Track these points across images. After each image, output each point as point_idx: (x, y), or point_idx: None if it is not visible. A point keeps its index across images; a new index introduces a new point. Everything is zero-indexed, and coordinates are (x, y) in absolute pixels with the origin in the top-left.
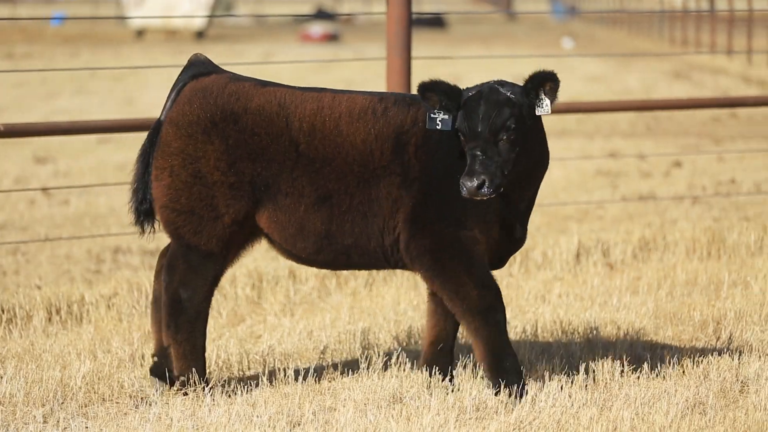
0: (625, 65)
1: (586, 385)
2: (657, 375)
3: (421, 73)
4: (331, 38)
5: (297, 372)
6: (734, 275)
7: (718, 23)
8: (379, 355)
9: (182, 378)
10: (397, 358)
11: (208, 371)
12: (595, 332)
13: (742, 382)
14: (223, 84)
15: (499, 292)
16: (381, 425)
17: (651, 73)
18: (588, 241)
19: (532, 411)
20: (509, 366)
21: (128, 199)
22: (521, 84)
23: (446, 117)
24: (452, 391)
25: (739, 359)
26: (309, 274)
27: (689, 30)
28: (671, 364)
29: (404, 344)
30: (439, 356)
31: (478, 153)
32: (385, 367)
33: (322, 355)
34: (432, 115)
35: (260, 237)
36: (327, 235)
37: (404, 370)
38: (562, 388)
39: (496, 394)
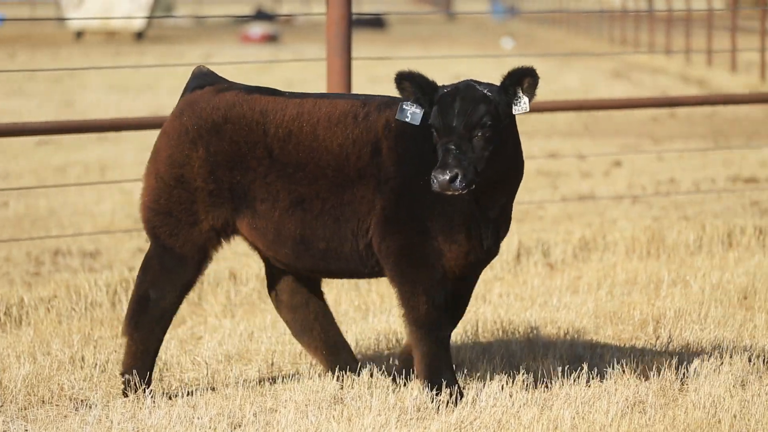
0: (564, 65)
1: (527, 385)
2: (597, 374)
3: (361, 74)
4: (271, 39)
5: (238, 374)
6: (673, 274)
7: (656, 23)
8: None
9: (126, 377)
10: None
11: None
12: (535, 332)
13: (681, 380)
14: (209, 96)
15: (446, 312)
16: (322, 426)
17: (590, 72)
18: (528, 241)
19: (473, 411)
20: (445, 382)
21: None
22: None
23: (417, 111)
24: (394, 391)
25: (678, 358)
26: (250, 275)
27: (628, 30)
28: (611, 363)
29: None
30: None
31: (452, 147)
32: None
33: (263, 357)
34: (404, 107)
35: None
36: (302, 240)
37: (345, 371)
38: (503, 388)
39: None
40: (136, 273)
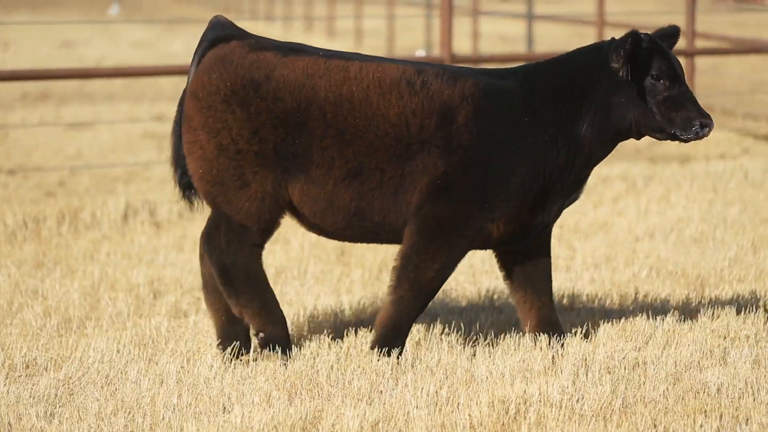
0: (169, 31)
1: (135, 342)
2: (202, 328)
3: None
4: None
5: None
6: (275, 233)
7: None
8: None
9: (261, 335)
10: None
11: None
12: (141, 288)
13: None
14: (243, 52)
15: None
16: None
17: (195, 39)
18: (135, 202)
19: (80, 367)
20: (397, 344)
21: (171, 174)
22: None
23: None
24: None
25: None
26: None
27: None
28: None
29: None
30: (551, 330)
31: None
32: None
33: None
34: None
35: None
36: (357, 212)
37: None
38: (113, 346)
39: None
40: None
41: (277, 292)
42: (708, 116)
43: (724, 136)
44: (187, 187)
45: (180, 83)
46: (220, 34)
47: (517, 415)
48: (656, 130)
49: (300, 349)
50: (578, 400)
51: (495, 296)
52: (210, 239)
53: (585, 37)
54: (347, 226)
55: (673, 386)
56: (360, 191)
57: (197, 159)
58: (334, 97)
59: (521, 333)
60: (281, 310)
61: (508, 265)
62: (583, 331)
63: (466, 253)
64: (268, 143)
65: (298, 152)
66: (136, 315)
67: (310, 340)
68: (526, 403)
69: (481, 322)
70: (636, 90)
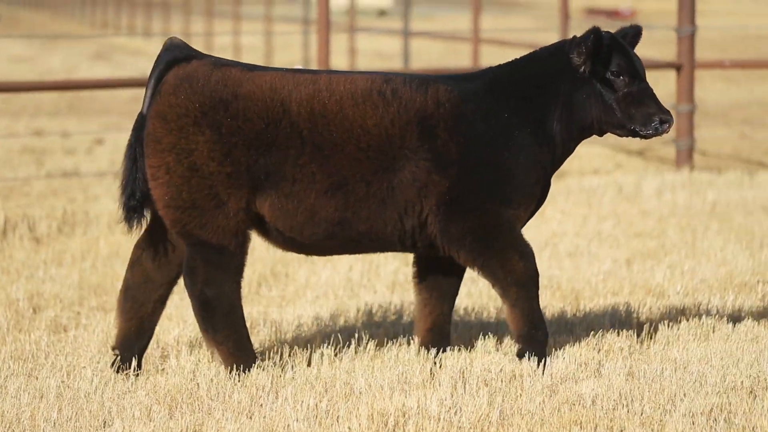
0: (48, 47)
1: (14, 357)
2: (82, 343)
3: None
4: None
5: None
6: None
7: (136, 7)
8: None
9: (234, 374)
10: None
11: None
12: (20, 303)
13: (162, 348)
14: (206, 70)
15: (534, 261)
16: None
17: (73, 54)
18: (14, 217)
19: None
20: (541, 336)
21: (118, 196)
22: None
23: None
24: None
25: (160, 326)
26: None
27: (109, 13)
28: (95, 332)
29: None
30: (439, 341)
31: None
32: None
33: None
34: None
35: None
36: (341, 221)
37: None
38: None
39: (522, 358)
40: None
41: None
42: (668, 112)
43: (598, 151)
44: (131, 210)
45: (58, 99)
46: (178, 55)
47: (396, 427)
48: (616, 126)
49: (180, 362)
50: (456, 412)
51: (374, 310)
52: (192, 273)
53: (460, 54)
54: (329, 237)
55: (549, 398)
56: (345, 202)
57: (163, 185)
58: (307, 112)
59: (400, 346)
60: (254, 351)
61: (424, 267)
62: (461, 344)
63: (520, 232)
64: (241, 163)
65: (271, 169)
66: (16, 330)
67: (190, 354)
68: (404, 416)
69: (360, 335)
70: (597, 87)
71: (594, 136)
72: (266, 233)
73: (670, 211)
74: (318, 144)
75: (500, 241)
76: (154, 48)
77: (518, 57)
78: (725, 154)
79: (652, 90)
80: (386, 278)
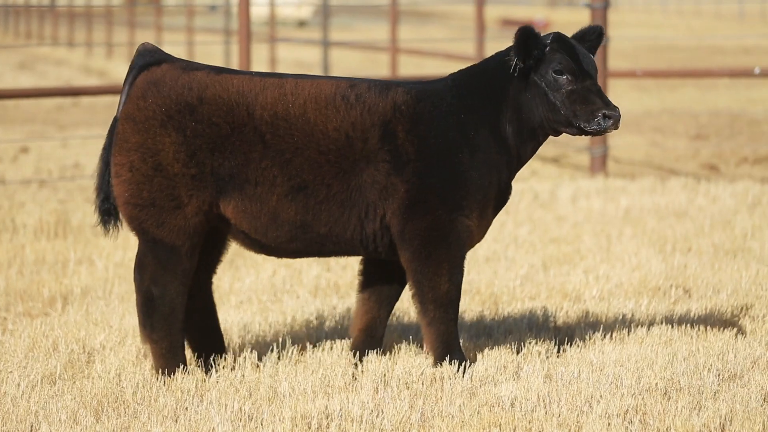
0: None
1: None
2: (9, 348)
3: None
4: None
5: None
6: (80, 254)
7: (60, 17)
8: None
9: (161, 378)
10: None
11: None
12: None
13: (88, 353)
14: (175, 74)
15: (461, 287)
16: None
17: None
18: None
19: None
20: (457, 361)
21: (93, 199)
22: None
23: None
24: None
25: (86, 331)
26: None
27: (33, 23)
28: (22, 337)
29: None
30: (370, 343)
31: (599, 88)
32: None
33: None
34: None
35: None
36: (302, 224)
37: None
38: None
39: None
40: None
41: (82, 312)
42: (614, 108)
43: None
44: (105, 213)
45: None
46: (150, 60)
47: (319, 430)
48: (564, 124)
49: (105, 367)
50: (378, 415)
51: (297, 315)
52: (141, 269)
53: (378, 63)
54: (292, 239)
55: (470, 400)
56: (306, 205)
57: (124, 182)
58: (270, 116)
59: (323, 350)
60: (185, 358)
61: (370, 268)
62: (383, 347)
63: (465, 253)
64: (206, 165)
65: (235, 172)
66: None
67: (116, 358)
68: (328, 418)
69: (283, 340)
70: (542, 86)
71: (550, 137)
72: (234, 235)
73: (585, 217)
74: (280, 147)
75: (441, 254)
76: (77, 58)
77: (481, 60)
78: (638, 161)
79: (598, 87)
80: (309, 283)
